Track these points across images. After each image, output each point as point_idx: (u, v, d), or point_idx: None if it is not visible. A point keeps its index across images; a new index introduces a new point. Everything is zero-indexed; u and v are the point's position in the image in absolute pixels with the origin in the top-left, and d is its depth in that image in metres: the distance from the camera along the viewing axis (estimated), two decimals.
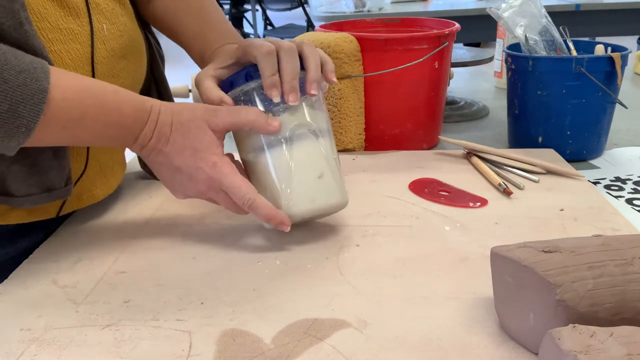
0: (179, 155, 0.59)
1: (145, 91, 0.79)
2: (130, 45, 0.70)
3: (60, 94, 0.53)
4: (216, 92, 0.63)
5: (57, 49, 0.60)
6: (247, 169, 0.64)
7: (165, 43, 0.83)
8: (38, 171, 0.60)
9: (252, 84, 0.62)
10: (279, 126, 0.60)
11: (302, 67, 0.62)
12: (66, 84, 0.54)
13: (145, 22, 0.79)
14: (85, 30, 0.62)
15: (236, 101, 0.62)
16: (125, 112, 0.57)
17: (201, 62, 0.74)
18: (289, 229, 0.60)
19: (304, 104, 0.62)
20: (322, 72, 0.63)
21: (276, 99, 0.60)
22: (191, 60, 0.76)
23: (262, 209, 0.59)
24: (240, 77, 0.62)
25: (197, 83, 0.65)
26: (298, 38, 0.77)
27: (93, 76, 0.64)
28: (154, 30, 0.81)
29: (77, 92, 0.55)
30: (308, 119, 0.62)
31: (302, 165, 0.61)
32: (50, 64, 0.57)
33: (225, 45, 0.72)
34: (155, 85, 0.80)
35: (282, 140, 0.61)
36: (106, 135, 0.58)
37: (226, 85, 0.63)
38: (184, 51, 0.77)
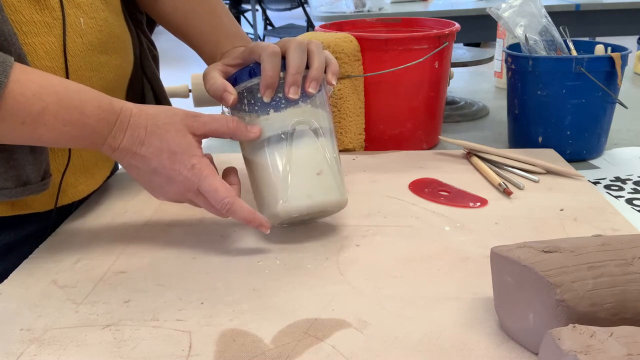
0: (156, 157, 0.58)
1: (140, 90, 0.79)
2: (111, 41, 0.69)
3: (20, 88, 0.53)
4: (220, 81, 0.63)
5: (32, 41, 0.60)
6: (247, 165, 0.65)
7: (166, 42, 0.83)
8: (14, 165, 0.60)
9: (255, 81, 0.62)
10: (258, 132, 0.61)
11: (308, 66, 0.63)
12: (28, 79, 0.54)
13: (137, 21, 0.79)
14: (59, 23, 0.62)
15: (240, 96, 0.63)
16: (88, 111, 0.56)
17: (212, 63, 0.74)
18: (268, 231, 0.61)
19: (307, 101, 0.62)
20: (325, 72, 0.64)
21: (266, 99, 0.61)
22: (191, 60, 0.77)
23: (240, 212, 0.59)
24: (244, 74, 0.63)
25: (204, 74, 0.66)
26: (300, 37, 0.77)
27: (66, 69, 0.63)
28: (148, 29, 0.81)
29: (37, 88, 0.54)
30: (309, 116, 0.62)
31: (301, 161, 0.61)
32: (21, 53, 0.57)
33: (235, 48, 0.72)
34: (149, 84, 0.79)
35: (283, 135, 0.61)
36: (69, 135, 0.56)
37: (231, 81, 0.64)
38: (183, 51, 0.78)
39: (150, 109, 0.59)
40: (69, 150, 0.68)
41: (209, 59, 0.75)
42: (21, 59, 0.57)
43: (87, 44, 0.65)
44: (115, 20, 0.71)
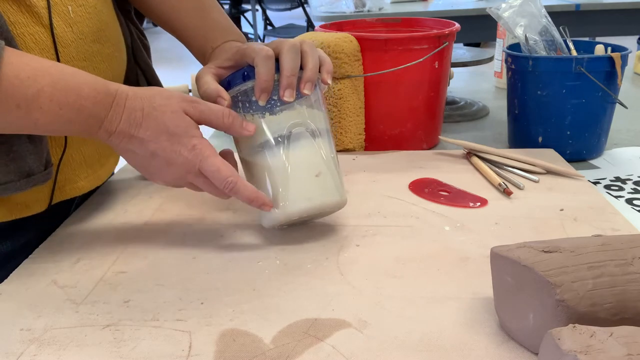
0: (154, 140, 0.56)
1: (134, 80, 0.77)
2: (102, 29, 0.67)
3: (13, 71, 0.51)
4: (214, 85, 0.62)
5: (20, 32, 0.59)
6: (245, 168, 0.64)
7: (165, 42, 0.83)
8: (15, 157, 0.59)
9: (249, 84, 0.62)
10: (253, 130, 0.60)
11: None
12: (21, 61, 0.53)
13: (126, 10, 0.77)
14: (46, 12, 0.61)
15: (234, 100, 0.63)
16: (84, 93, 0.54)
17: (202, 59, 0.73)
18: (270, 209, 0.60)
19: (302, 103, 0.62)
20: (319, 71, 0.63)
21: (262, 103, 0.60)
22: (191, 60, 0.76)
23: (243, 191, 0.58)
24: (238, 77, 0.62)
25: (197, 78, 0.65)
26: (298, 38, 0.77)
27: (57, 59, 0.62)
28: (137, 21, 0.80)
29: (32, 71, 0.52)
30: (306, 118, 0.62)
31: (299, 163, 0.61)
32: (9, 36, 0.56)
33: (226, 43, 0.71)
34: (143, 74, 0.78)
35: (280, 139, 0.61)
36: (64, 119, 0.54)
37: (224, 84, 0.63)
38: (183, 51, 0.77)
39: (145, 91, 0.58)
40: (65, 143, 0.66)
41: (198, 54, 0.74)
42: (10, 43, 0.56)
43: (78, 33, 0.64)
44: (104, 8, 0.69)
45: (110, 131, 0.57)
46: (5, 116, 0.53)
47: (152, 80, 0.79)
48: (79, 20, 0.64)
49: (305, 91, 0.61)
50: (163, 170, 0.59)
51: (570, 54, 0.95)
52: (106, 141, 0.58)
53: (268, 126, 0.61)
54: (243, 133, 0.60)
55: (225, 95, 0.62)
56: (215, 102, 0.62)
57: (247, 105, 0.62)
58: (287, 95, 0.60)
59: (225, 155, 0.62)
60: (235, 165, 0.62)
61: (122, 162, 0.76)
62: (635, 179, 0.84)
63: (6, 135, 0.57)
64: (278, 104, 0.61)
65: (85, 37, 0.65)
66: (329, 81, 0.64)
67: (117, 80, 0.73)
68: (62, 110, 0.54)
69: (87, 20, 0.65)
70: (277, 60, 0.61)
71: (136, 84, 0.78)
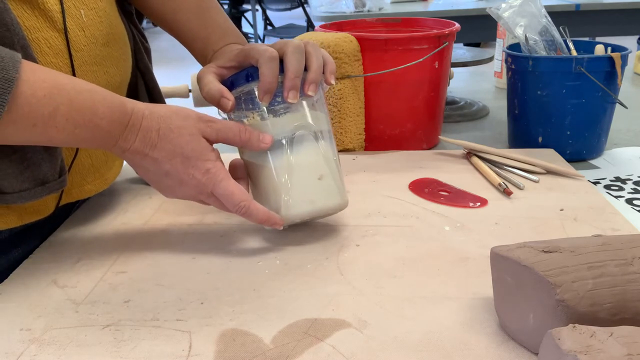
0: (169, 161, 0.57)
1: (133, 83, 0.77)
2: (111, 32, 0.67)
3: (30, 89, 0.50)
4: (216, 85, 0.62)
5: (35, 37, 0.58)
6: (247, 169, 0.64)
7: (166, 42, 0.83)
8: (29, 165, 0.59)
9: (252, 85, 0.62)
10: (270, 143, 0.60)
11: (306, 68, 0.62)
12: (38, 78, 0.52)
13: (128, 12, 0.77)
14: (60, 17, 0.60)
15: (237, 101, 0.62)
16: (100, 113, 0.54)
17: (203, 61, 0.73)
18: (282, 227, 0.61)
19: (305, 104, 0.62)
20: (323, 72, 0.63)
21: (264, 104, 0.60)
22: (191, 60, 0.75)
23: (256, 215, 0.59)
24: (241, 78, 0.62)
25: (198, 77, 0.65)
26: (299, 38, 0.76)
27: (72, 64, 0.62)
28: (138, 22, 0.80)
29: (49, 89, 0.52)
30: (309, 120, 0.62)
31: (302, 167, 0.61)
32: (25, 44, 0.55)
33: (227, 46, 0.71)
34: (142, 77, 0.78)
35: (283, 141, 0.61)
36: (80, 137, 0.54)
37: (227, 84, 0.63)
38: (183, 51, 0.77)
39: (162, 110, 0.58)
40: (76, 148, 0.66)
41: (199, 57, 0.74)
42: (25, 50, 0.55)
43: (90, 37, 0.64)
44: (112, 11, 0.69)
45: (124, 149, 0.57)
46: (21, 134, 0.52)
47: (150, 83, 0.79)
48: (90, 24, 0.64)
49: (310, 93, 0.61)
50: (175, 188, 0.59)
51: (570, 54, 0.95)
52: (120, 156, 0.58)
53: (271, 128, 0.61)
54: (261, 147, 0.60)
55: (229, 95, 0.62)
56: (218, 102, 0.62)
57: (250, 106, 0.62)
58: (291, 97, 0.60)
59: (235, 167, 0.63)
60: (245, 177, 0.62)
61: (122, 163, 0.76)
62: (635, 179, 0.84)
63: None
64: (281, 105, 0.61)
65: (97, 40, 0.65)
66: (333, 82, 0.64)
67: (124, 83, 0.73)
68: (78, 129, 0.54)
69: (98, 24, 0.65)
70: (281, 61, 0.61)
71: (135, 87, 0.78)
